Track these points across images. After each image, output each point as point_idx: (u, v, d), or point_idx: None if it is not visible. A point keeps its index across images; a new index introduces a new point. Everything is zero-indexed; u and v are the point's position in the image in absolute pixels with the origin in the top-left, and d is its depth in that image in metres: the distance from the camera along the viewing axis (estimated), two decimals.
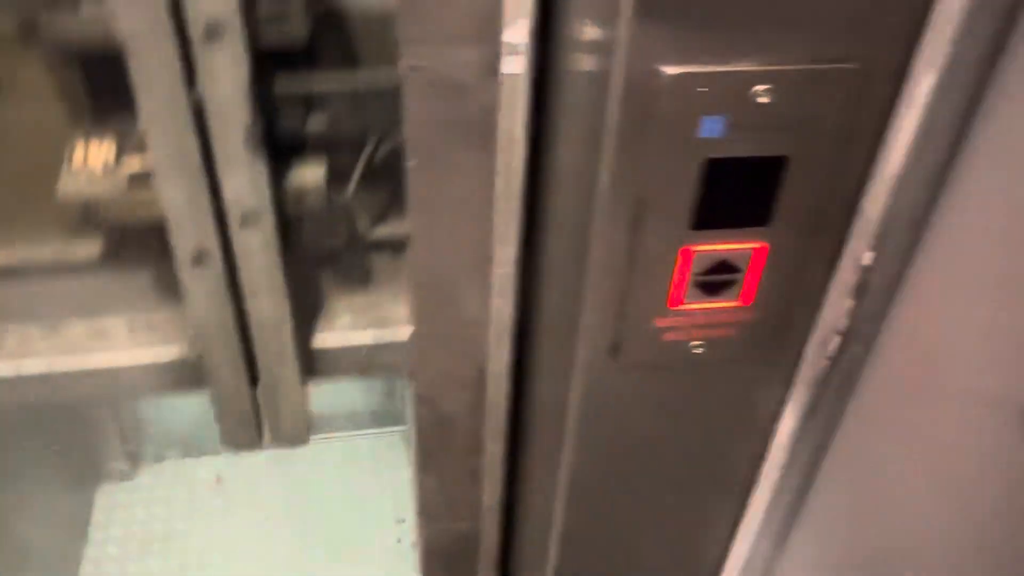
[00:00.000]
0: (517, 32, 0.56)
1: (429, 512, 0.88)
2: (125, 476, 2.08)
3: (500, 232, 0.67)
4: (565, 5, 0.54)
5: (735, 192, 0.51)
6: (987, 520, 0.51)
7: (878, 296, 0.56)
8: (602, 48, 0.47)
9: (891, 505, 0.60)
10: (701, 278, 0.55)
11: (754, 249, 0.54)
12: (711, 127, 0.48)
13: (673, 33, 0.44)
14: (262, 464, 2.16)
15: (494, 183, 0.64)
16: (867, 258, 0.54)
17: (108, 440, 2.02)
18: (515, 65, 0.59)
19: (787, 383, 0.64)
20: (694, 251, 0.54)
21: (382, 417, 2.30)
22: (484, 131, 0.62)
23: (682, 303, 0.56)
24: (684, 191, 0.51)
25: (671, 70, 0.45)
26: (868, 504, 0.63)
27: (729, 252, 0.54)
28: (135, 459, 2.10)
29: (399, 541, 2.03)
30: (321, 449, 2.24)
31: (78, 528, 1.96)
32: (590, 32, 0.49)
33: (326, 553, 1.99)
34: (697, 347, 0.59)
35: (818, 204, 0.53)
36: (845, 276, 0.56)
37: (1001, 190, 0.48)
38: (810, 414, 0.63)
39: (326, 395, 2.23)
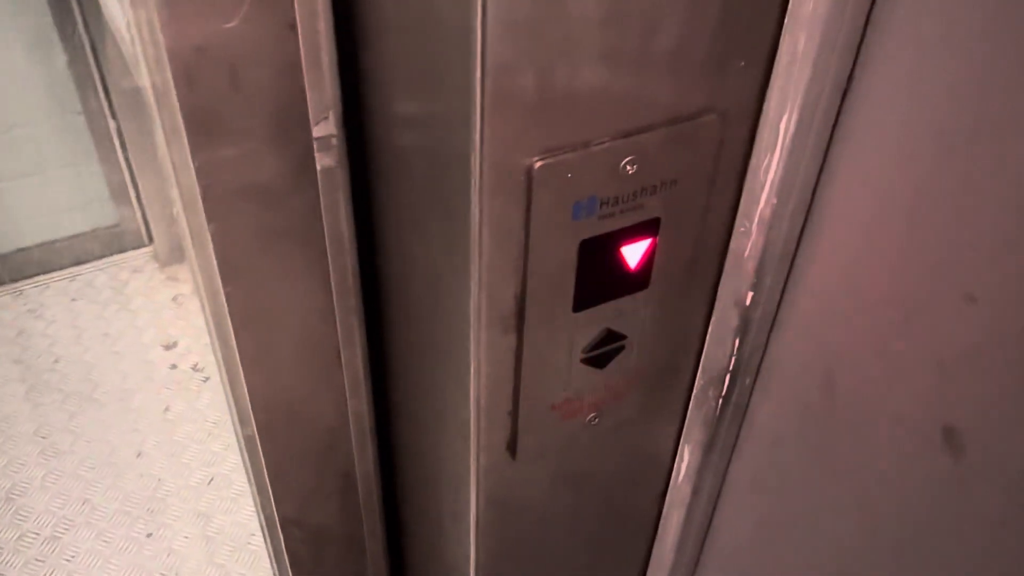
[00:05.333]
0: (328, 126, 0.49)
1: None
2: None
3: (344, 336, 0.60)
4: (386, 97, 0.48)
5: (612, 265, 0.47)
6: (902, 536, 0.51)
7: (760, 329, 0.54)
8: (456, 145, 0.41)
9: (798, 527, 0.60)
10: (589, 354, 0.51)
11: (637, 313, 0.51)
12: (583, 209, 0.43)
13: (534, 124, 0.39)
14: None
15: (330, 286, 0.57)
16: (748, 298, 0.52)
17: None
18: (330, 159, 0.51)
19: (680, 425, 0.62)
20: (579, 331, 0.49)
21: (114, 240, 2.00)
22: (306, 234, 0.54)
23: (573, 383, 0.52)
24: (562, 277, 0.46)
25: (538, 162, 0.40)
26: (776, 527, 0.62)
27: (613, 322, 0.50)
28: None
29: (174, 367, 1.80)
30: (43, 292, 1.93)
31: None
32: (439, 126, 0.43)
33: (93, 403, 1.71)
34: (592, 419, 0.55)
35: (693, 255, 0.50)
36: (727, 317, 0.54)
37: (860, 211, 0.47)
38: (708, 450, 0.62)
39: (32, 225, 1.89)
